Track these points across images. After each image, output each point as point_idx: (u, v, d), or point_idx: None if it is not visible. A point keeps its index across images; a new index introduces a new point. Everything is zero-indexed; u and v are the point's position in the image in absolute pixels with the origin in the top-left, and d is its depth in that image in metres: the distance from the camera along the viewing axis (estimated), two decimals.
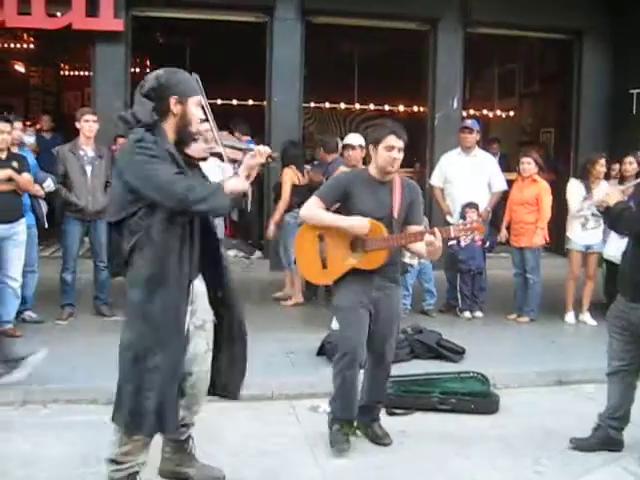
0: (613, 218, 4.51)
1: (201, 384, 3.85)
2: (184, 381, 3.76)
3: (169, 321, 3.53)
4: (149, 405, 3.49)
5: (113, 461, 3.61)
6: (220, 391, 4.00)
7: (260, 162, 3.82)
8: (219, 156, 3.83)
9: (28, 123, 11.45)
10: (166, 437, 3.96)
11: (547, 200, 7.79)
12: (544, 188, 7.83)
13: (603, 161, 7.63)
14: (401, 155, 4.52)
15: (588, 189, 7.49)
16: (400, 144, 4.48)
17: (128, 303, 3.61)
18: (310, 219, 4.63)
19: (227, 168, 3.94)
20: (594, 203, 4.47)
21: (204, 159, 3.83)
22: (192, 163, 3.75)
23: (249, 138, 10.65)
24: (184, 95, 3.63)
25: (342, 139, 7.92)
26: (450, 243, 7.68)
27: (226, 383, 3.96)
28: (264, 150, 3.83)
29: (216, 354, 3.90)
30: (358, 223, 4.44)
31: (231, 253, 10.60)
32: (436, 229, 4.39)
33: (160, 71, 3.71)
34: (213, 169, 4.05)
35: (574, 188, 7.69)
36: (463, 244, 7.87)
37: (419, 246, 4.52)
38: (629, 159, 7.65)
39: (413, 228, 4.62)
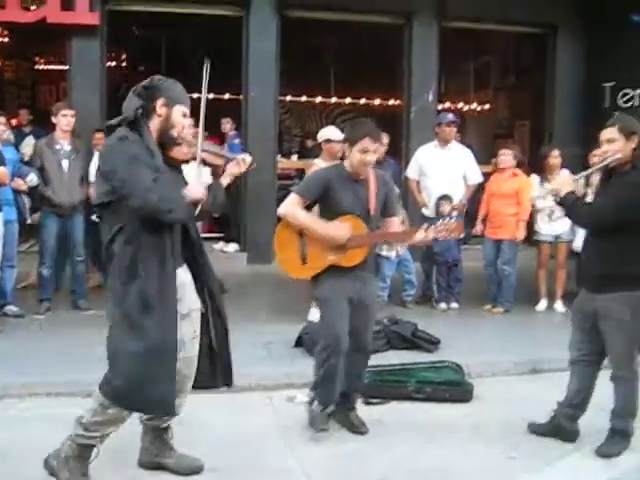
0: (566, 209, 4.56)
1: (187, 370, 3.88)
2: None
3: (154, 306, 3.59)
4: (136, 383, 3.58)
5: (82, 424, 3.75)
6: (211, 382, 4.07)
7: (242, 171, 3.99)
8: (202, 160, 3.91)
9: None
10: (145, 425, 4.03)
11: (526, 194, 7.85)
12: (525, 182, 7.92)
13: (556, 152, 7.77)
14: (375, 157, 4.61)
15: (543, 182, 7.64)
16: (375, 147, 4.54)
17: (111, 291, 3.69)
18: (290, 218, 4.65)
19: (205, 172, 4.05)
20: (547, 192, 4.54)
21: (186, 162, 3.92)
22: (173, 165, 3.84)
23: (235, 132, 10.70)
24: (172, 100, 3.76)
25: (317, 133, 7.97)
26: None
27: (217, 372, 4.04)
28: (247, 160, 3.99)
29: (203, 344, 3.97)
30: (337, 234, 4.51)
31: (216, 247, 10.66)
32: (422, 229, 4.50)
33: (158, 75, 3.88)
34: (192, 171, 4.11)
35: (533, 182, 7.84)
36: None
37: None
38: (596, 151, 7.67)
39: (393, 220, 4.73)
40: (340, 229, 4.51)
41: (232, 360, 4.11)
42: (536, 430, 4.79)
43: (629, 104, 10.31)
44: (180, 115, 3.79)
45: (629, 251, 4.30)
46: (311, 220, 4.62)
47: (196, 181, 3.75)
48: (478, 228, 8.16)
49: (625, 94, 10.36)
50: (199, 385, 4.03)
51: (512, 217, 7.86)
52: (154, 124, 3.75)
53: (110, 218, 3.68)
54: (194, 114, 3.97)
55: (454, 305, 8.12)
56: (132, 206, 3.54)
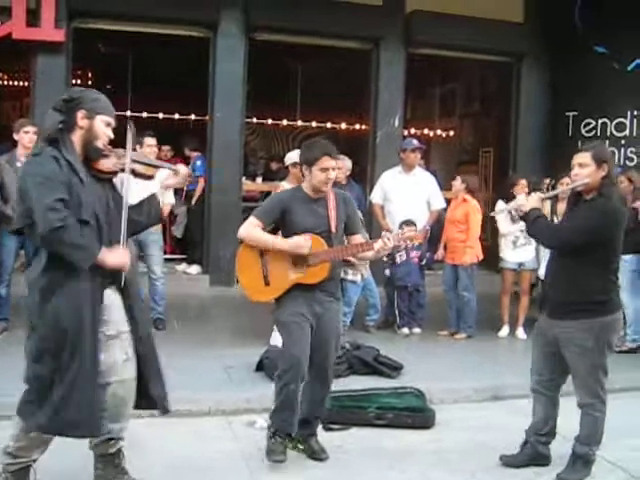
0: (529, 224, 4.56)
1: (124, 393, 3.79)
2: (103, 391, 3.71)
3: (70, 326, 3.52)
4: (51, 405, 3.51)
5: (9, 454, 3.69)
6: (146, 405, 3.97)
7: (178, 182, 4.09)
8: (133, 172, 3.89)
9: None
10: (95, 452, 3.92)
11: (476, 219, 7.92)
12: (472, 207, 7.96)
13: (524, 182, 7.82)
14: (336, 173, 4.64)
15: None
16: (333, 164, 4.56)
17: (27, 305, 3.64)
18: (249, 240, 4.64)
19: (149, 185, 4.04)
20: (511, 207, 4.58)
21: (114, 173, 3.84)
22: (102, 178, 3.78)
23: (198, 153, 10.64)
24: (93, 111, 3.72)
25: (284, 156, 7.96)
26: (385, 260, 7.77)
27: (151, 396, 3.93)
28: (182, 171, 4.04)
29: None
30: (301, 244, 4.49)
31: (179, 268, 10.57)
32: (380, 240, 4.51)
33: (77, 88, 3.90)
34: (134, 185, 4.06)
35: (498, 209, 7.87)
36: (399, 260, 7.97)
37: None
38: (565, 180, 7.74)
39: (356, 238, 4.73)
40: (301, 240, 4.50)
41: (165, 386, 4.00)
42: (508, 462, 4.71)
43: (591, 134, 10.46)
44: (103, 125, 3.74)
45: (591, 278, 4.32)
46: (270, 236, 4.61)
47: (122, 249, 3.69)
48: (439, 253, 8.20)
49: (588, 124, 10.52)
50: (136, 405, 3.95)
51: (462, 243, 7.91)
52: (77, 137, 3.70)
53: (33, 237, 3.60)
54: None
55: (416, 330, 8.11)
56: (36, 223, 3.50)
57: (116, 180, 3.93)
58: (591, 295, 4.33)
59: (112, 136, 3.80)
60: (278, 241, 4.59)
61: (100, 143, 3.74)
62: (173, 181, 4.11)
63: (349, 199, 4.81)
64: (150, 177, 4.10)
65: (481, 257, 8.07)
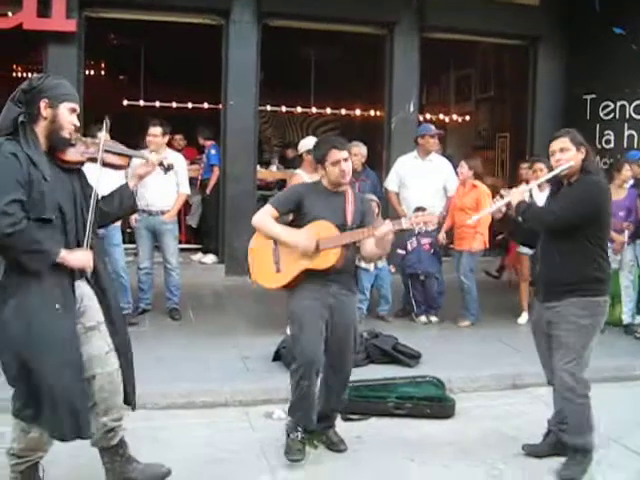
0: (524, 215, 4.49)
1: (110, 386, 3.72)
2: (89, 385, 3.65)
3: (41, 320, 3.44)
4: (42, 405, 3.48)
5: (13, 455, 3.68)
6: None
7: (149, 171, 4.00)
8: (103, 162, 3.77)
9: None
10: (97, 447, 3.86)
11: (486, 205, 7.76)
12: (483, 193, 7.82)
13: (541, 165, 7.66)
14: (350, 163, 4.57)
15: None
16: (344, 154, 4.52)
17: None
18: (260, 228, 4.63)
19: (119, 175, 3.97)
20: (502, 205, 4.57)
21: (81, 163, 3.73)
22: (69, 168, 3.67)
23: (213, 142, 10.58)
24: (56, 99, 3.57)
25: (297, 143, 7.89)
26: (398, 250, 7.71)
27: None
28: (153, 159, 3.98)
29: None
30: (303, 243, 4.45)
31: (194, 258, 10.54)
32: (388, 220, 4.44)
33: (36, 75, 3.70)
34: (109, 175, 4.06)
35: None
36: (410, 247, 7.89)
37: (368, 247, 4.55)
38: (539, 165, 7.55)
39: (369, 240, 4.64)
40: (307, 238, 4.44)
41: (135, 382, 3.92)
42: (532, 452, 4.65)
43: (610, 116, 10.31)
44: (68, 113, 3.59)
45: (586, 256, 4.30)
46: (279, 229, 4.57)
47: (85, 249, 3.60)
48: (440, 237, 8.06)
49: (606, 106, 10.36)
50: None
51: (472, 229, 7.74)
52: (40, 129, 3.56)
53: None
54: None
55: (434, 318, 8.03)
56: None
57: (90, 173, 3.84)
58: (587, 273, 4.30)
59: (77, 123, 3.66)
60: (284, 234, 4.54)
61: (66, 132, 3.60)
62: (143, 170, 4.00)
63: (366, 199, 4.87)
64: (121, 167, 4.03)
65: (488, 245, 7.96)
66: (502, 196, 4.53)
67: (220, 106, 10.44)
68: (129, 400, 3.87)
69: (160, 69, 13.02)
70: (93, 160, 3.71)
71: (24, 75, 14.50)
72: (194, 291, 8.75)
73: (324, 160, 4.52)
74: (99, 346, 3.68)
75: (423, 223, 4.38)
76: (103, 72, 15.00)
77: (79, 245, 3.64)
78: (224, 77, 10.14)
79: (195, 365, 6.03)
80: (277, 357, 6.22)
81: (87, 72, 11.76)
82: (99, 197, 3.84)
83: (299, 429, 4.53)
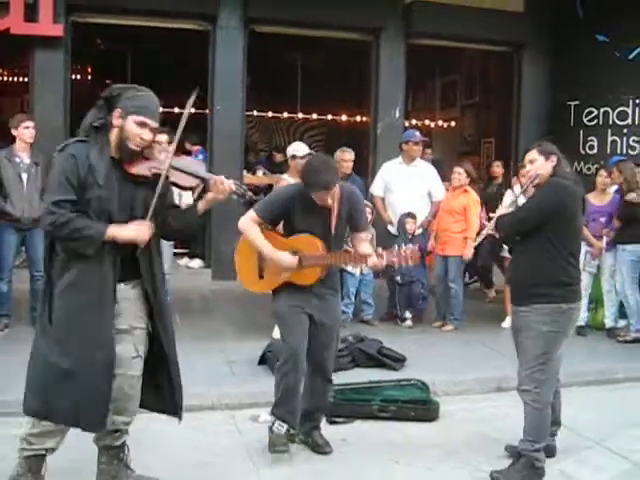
0: (498, 228, 4.65)
1: (128, 389, 3.76)
2: (109, 384, 3.67)
3: (81, 318, 3.52)
4: (58, 395, 3.53)
5: (24, 440, 3.70)
6: (158, 408, 3.98)
7: (219, 198, 3.80)
8: (167, 179, 3.70)
9: None
10: (99, 445, 3.90)
11: (474, 211, 7.81)
12: (472, 199, 7.87)
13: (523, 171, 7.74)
14: (330, 199, 4.44)
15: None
16: (331, 193, 4.40)
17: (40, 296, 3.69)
18: (245, 235, 4.64)
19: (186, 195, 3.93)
20: (494, 223, 4.74)
21: (145, 177, 3.67)
22: (135, 181, 3.67)
23: (200, 147, 10.59)
24: (126, 111, 3.60)
25: (284, 148, 7.94)
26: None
27: (165, 401, 3.92)
28: (225, 185, 3.76)
29: (151, 368, 3.85)
30: (286, 263, 4.46)
31: (181, 262, 10.53)
32: (375, 255, 4.46)
33: (121, 84, 3.76)
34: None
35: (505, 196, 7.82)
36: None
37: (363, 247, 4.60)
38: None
39: (360, 236, 4.68)
40: (287, 261, 4.46)
41: (181, 391, 3.96)
42: (515, 454, 4.63)
43: (593, 122, 10.42)
44: (135, 126, 3.59)
45: (552, 260, 4.34)
46: (261, 242, 4.53)
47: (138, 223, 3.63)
48: (430, 244, 8.11)
49: (590, 112, 10.46)
50: (144, 405, 3.94)
51: (459, 234, 7.79)
52: (113, 136, 3.63)
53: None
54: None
55: (414, 323, 8.06)
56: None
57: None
58: (553, 275, 4.34)
59: (147, 137, 3.64)
60: (265, 250, 4.51)
61: (132, 144, 3.60)
62: (212, 197, 3.82)
63: (354, 193, 4.72)
64: (189, 189, 3.92)
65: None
66: (490, 219, 4.66)
67: (207, 111, 10.47)
68: (172, 410, 3.97)
69: (147, 74, 13.00)
70: (159, 177, 3.65)
71: (10, 79, 14.48)
72: (181, 296, 8.73)
73: (312, 192, 4.39)
74: (127, 349, 3.71)
75: (405, 259, 4.39)
76: (90, 77, 14.99)
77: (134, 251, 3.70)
78: (211, 82, 10.17)
79: (182, 369, 6.02)
80: (263, 361, 6.24)
81: (74, 77, 11.74)
82: (175, 202, 3.95)
83: (283, 425, 4.55)
